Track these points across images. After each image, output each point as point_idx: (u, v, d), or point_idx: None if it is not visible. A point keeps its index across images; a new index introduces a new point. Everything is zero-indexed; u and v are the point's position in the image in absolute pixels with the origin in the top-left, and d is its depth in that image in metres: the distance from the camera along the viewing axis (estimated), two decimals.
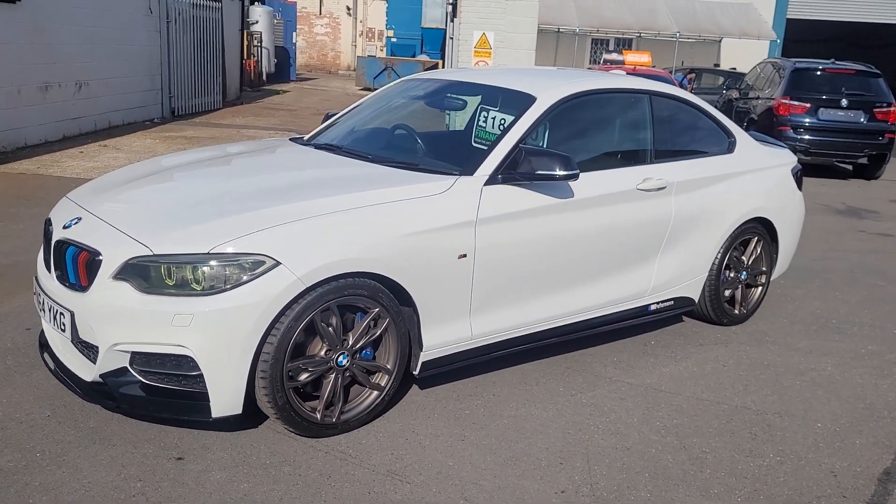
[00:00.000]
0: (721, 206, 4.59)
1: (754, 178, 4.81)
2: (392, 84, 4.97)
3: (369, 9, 33.31)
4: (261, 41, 22.60)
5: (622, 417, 3.62)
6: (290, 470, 3.01)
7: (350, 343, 3.24)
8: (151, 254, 2.98)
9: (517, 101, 4.01)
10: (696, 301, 4.69)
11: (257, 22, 22.54)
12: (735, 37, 17.81)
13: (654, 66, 13.87)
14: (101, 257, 3.05)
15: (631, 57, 13.61)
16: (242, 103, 17.32)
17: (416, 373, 3.52)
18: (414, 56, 28.21)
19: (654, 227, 4.27)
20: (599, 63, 15.50)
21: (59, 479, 2.85)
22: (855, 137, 11.46)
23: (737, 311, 4.92)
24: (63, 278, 3.22)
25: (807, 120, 11.49)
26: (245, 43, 19.43)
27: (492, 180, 3.62)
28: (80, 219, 3.30)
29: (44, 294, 3.32)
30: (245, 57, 19.56)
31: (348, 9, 33.34)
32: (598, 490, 3.01)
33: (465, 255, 3.48)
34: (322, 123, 4.94)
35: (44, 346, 3.53)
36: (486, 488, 2.98)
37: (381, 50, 31.74)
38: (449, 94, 4.65)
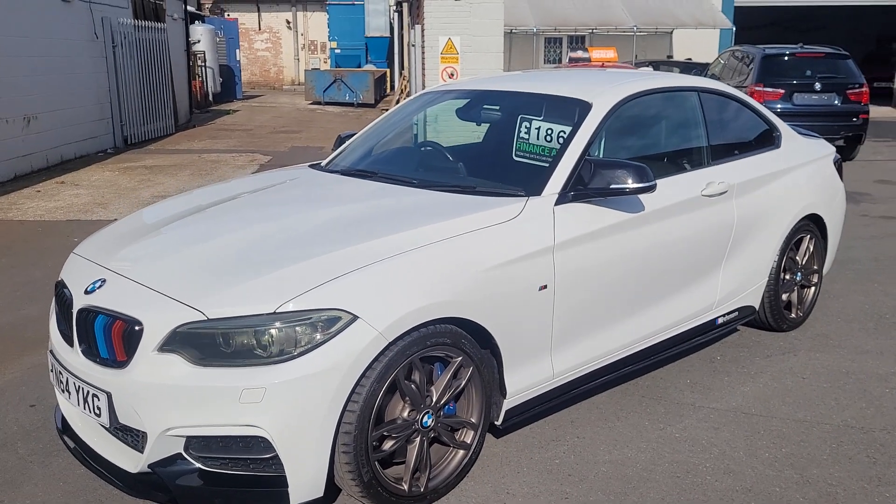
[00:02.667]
0: (777, 206, 4.29)
1: (804, 174, 4.53)
2: (411, 98, 4.54)
3: (310, 21, 32.69)
4: (205, 61, 21.84)
5: (726, 452, 3.26)
6: None
7: (434, 399, 2.82)
8: (205, 318, 2.51)
9: (569, 109, 3.63)
10: (757, 309, 4.38)
11: (199, 41, 21.74)
12: (691, 27, 17.81)
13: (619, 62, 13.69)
14: (141, 327, 2.56)
15: (597, 53, 13.35)
16: (195, 126, 16.62)
17: (498, 423, 3.11)
18: (360, 66, 27.72)
19: (719, 234, 3.95)
20: (565, 61, 15.29)
21: None
22: (831, 120, 11.40)
23: (793, 315, 4.64)
24: (91, 353, 2.72)
25: (780, 106, 11.39)
26: (190, 63, 18.70)
27: (562, 199, 3.24)
28: (104, 280, 2.81)
29: (66, 372, 2.81)
30: (191, 78, 18.83)
31: (288, 22, 32.65)
32: None
33: (545, 286, 3.08)
34: (335, 146, 4.51)
35: (64, 429, 3.02)
36: None
37: (326, 62, 31.14)
38: (484, 106, 4.23)
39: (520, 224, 3.07)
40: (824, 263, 4.85)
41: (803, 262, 4.62)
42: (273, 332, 2.49)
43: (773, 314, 4.46)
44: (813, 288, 4.76)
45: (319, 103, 23.16)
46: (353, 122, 18.40)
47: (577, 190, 3.27)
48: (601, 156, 3.73)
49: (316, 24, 32.33)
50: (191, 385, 2.49)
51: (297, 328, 2.50)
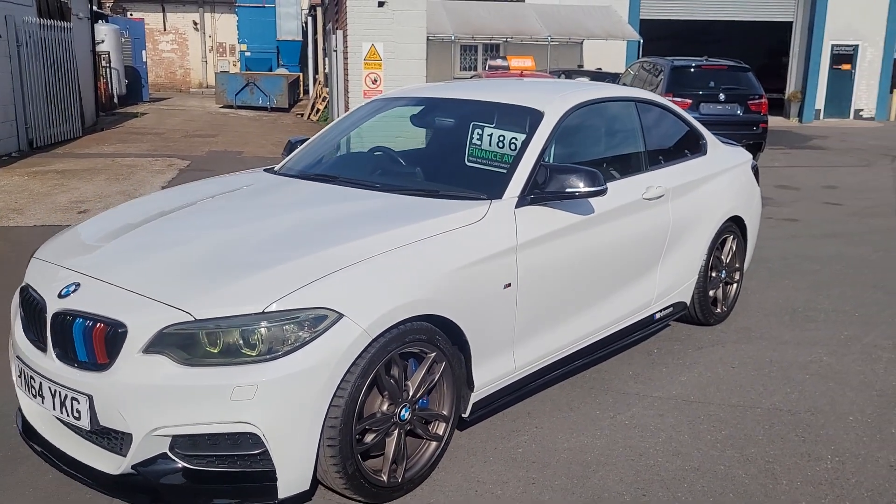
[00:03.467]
0: (706, 209, 4.62)
1: (727, 178, 4.89)
2: (362, 105, 4.64)
3: (218, 23, 32.06)
4: (109, 62, 21.15)
5: (672, 436, 3.52)
6: None
7: (410, 394, 2.94)
8: (193, 319, 2.55)
9: (521, 117, 3.83)
10: (688, 305, 4.69)
11: (104, 41, 21.04)
12: (601, 38, 18.48)
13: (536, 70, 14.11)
14: (124, 329, 2.58)
15: (515, 62, 13.79)
16: (102, 129, 16.08)
17: (465, 415, 3.26)
18: (271, 70, 27.39)
19: (657, 235, 4.22)
20: (482, 69, 15.62)
21: None
22: (734, 129, 12.02)
23: (719, 311, 4.98)
24: (67, 357, 2.71)
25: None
26: (96, 64, 18.07)
27: (521, 202, 3.42)
28: (78, 284, 2.80)
29: (38, 376, 2.79)
30: (97, 79, 18.20)
31: (195, 23, 31.93)
32: None
33: (509, 285, 3.26)
34: (286, 150, 4.56)
35: (28, 434, 2.99)
36: None
37: (235, 65, 30.61)
38: (436, 112, 4.37)
39: (485, 226, 3.23)
40: (745, 261, 5.22)
41: (727, 261, 4.97)
42: (262, 331, 2.56)
43: (702, 309, 4.79)
44: (735, 284, 5.12)
45: (231, 107, 22.77)
46: (269, 125, 18.21)
47: (534, 193, 3.46)
48: (551, 161, 3.94)
49: (224, 25, 31.76)
50: (179, 385, 2.53)
51: (285, 327, 2.58)
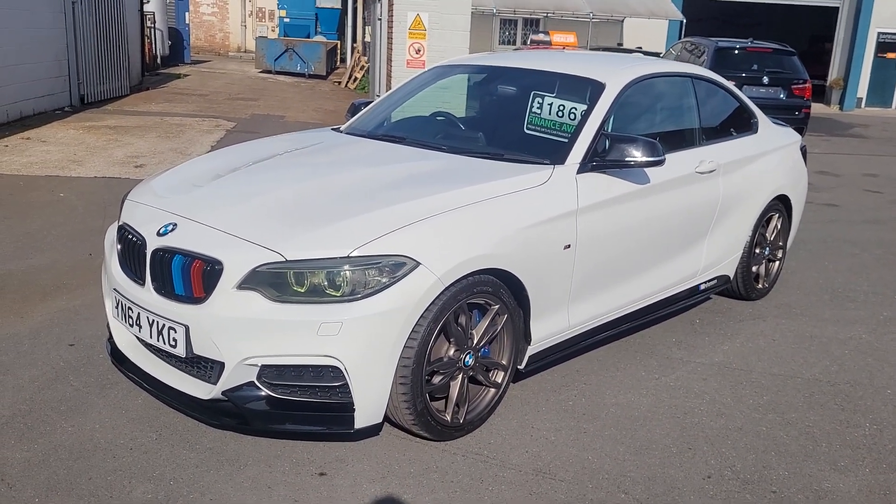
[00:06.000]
0: (754, 186, 4.74)
1: (776, 158, 5.00)
2: (424, 72, 4.81)
3: None
4: (154, 22, 21.37)
5: (716, 398, 3.69)
6: (440, 477, 2.90)
7: (474, 342, 3.14)
8: (284, 260, 2.76)
9: (583, 88, 3.98)
10: (731, 278, 4.84)
11: (149, 1, 21.24)
12: (644, 17, 18.39)
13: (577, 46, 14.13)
14: (221, 266, 2.80)
15: (557, 37, 13.82)
16: (148, 88, 16.35)
17: (522, 367, 3.46)
18: (309, 37, 27.48)
19: (707, 208, 4.36)
20: (521, 43, 15.65)
21: None
22: (775, 113, 11.93)
23: (760, 286, 5.12)
24: (165, 290, 2.94)
25: None
26: (143, 24, 18.33)
27: (583, 168, 3.59)
28: (175, 224, 3.02)
29: (136, 307, 3.03)
30: (143, 39, 18.47)
31: None
32: (740, 473, 3.06)
33: (569, 246, 3.43)
34: (349, 112, 4.75)
35: (118, 360, 3.24)
36: (637, 479, 2.97)
37: (274, 30, 30.68)
38: (497, 82, 4.54)
39: (549, 189, 3.41)
40: (788, 240, 5.35)
41: (771, 238, 5.10)
42: (346, 273, 2.77)
43: (745, 284, 4.93)
44: (777, 262, 5.25)
45: (270, 72, 22.93)
46: (308, 92, 18.40)
47: (595, 161, 3.62)
48: (609, 131, 4.09)
49: None
50: (270, 319, 2.75)
51: (368, 271, 2.79)
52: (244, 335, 2.78)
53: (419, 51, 12.35)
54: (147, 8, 20.73)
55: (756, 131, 4.95)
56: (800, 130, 12.32)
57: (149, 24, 20.75)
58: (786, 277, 5.60)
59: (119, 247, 3.25)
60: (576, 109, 3.89)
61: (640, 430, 3.35)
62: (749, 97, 12.06)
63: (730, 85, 4.91)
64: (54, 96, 12.07)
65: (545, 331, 3.48)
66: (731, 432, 3.38)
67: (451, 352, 3.07)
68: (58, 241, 5.42)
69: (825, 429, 3.46)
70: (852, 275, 5.83)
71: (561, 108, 3.98)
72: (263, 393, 2.84)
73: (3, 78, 10.27)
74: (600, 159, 3.62)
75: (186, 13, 24.72)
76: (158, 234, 3.01)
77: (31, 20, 11.05)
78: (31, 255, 5.12)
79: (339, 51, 27.83)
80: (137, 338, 3.12)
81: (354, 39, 25.04)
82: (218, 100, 15.36)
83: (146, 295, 3.00)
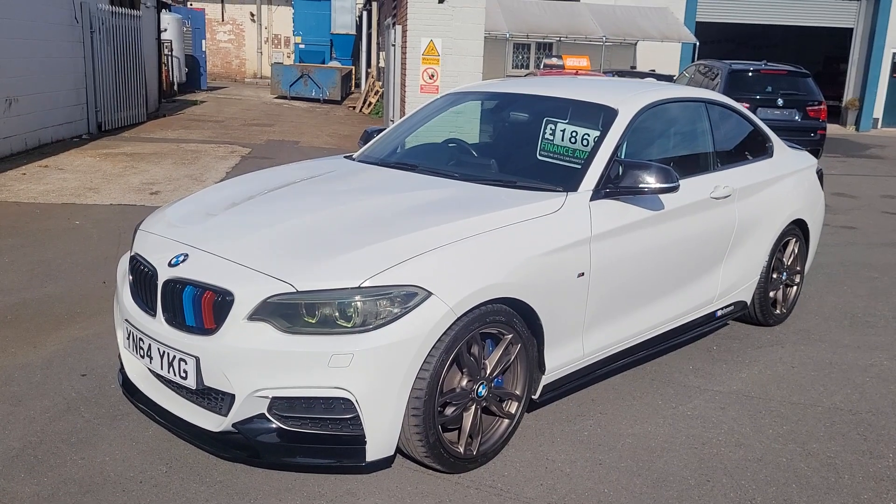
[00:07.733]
0: (771, 210, 4.69)
1: (792, 182, 4.95)
2: (437, 98, 4.82)
3: (274, 15, 32.59)
4: (171, 50, 21.67)
5: (734, 428, 3.62)
6: None
7: (488, 372, 3.10)
8: (294, 291, 2.75)
9: (595, 114, 3.96)
10: (748, 304, 4.77)
11: (166, 30, 21.55)
12: (657, 40, 18.42)
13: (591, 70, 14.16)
14: (231, 297, 2.79)
15: (571, 61, 13.86)
16: (165, 115, 16.54)
17: (536, 397, 3.41)
18: (324, 62, 27.77)
19: (723, 234, 4.32)
20: (534, 68, 15.70)
21: None
22: (791, 135, 11.92)
23: (778, 312, 5.05)
24: (176, 321, 2.93)
25: None
26: (160, 52, 18.58)
27: (596, 195, 3.56)
28: (186, 255, 3.02)
29: (147, 338, 3.01)
30: (161, 67, 18.71)
31: (252, 15, 32.50)
32: None
33: (583, 274, 3.40)
34: (362, 140, 4.75)
35: (130, 392, 3.22)
36: None
37: (289, 57, 31.09)
38: (509, 108, 4.53)
39: (562, 217, 3.38)
40: (806, 265, 5.28)
41: (789, 263, 5.04)
42: (357, 304, 2.75)
43: (762, 309, 4.86)
44: (795, 287, 5.18)
45: (285, 98, 23.17)
46: (322, 117, 18.53)
47: (608, 187, 3.59)
48: (622, 157, 4.07)
49: (280, 18, 32.28)
50: (281, 350, 2.72)
51: (379, 302, 2.76)
52: (255, 367, 2.75)
53: (433, 76, 12.42)
54: (164, 36, 21.04)
55: (771, 155, 4.90)
56: (816, 152, 12.29)
57: (166, 51, 21.03)
58: (804, 302, 5.53)
59: (131, 277, 3.25)
60: (588, 136, 3.88)
61: (657, 461, 3.29)
62: (764, 119, 12.06)
63: (744, 109, 4.87)
64: (72, 124, 12.23)
65: (559, 360, 3.44)
66: (750, 463, 3.31)
67: (464, 382, 3.04)
68: (72, 269, 5.45)
69: (847, 459, 3.38)
70: (872, 299, 5.74)
71: (574, 134, 3.97)
72: (274, 425, 2.81)
73: (23, 107, 10.41)
74: (614, 186, 3.60)
75: (203, 41, 25.04)
76: (170, 264, 3.00)
77: (49, 50, 11.22)
78: (46, 284, 5.14)
79: (353, 76, 28.09)
80: (148, 369, 3.11)
81: (369, 65, 25.27)
82: (233, 126, 15.50)
83: (157, 326, 2.98)
